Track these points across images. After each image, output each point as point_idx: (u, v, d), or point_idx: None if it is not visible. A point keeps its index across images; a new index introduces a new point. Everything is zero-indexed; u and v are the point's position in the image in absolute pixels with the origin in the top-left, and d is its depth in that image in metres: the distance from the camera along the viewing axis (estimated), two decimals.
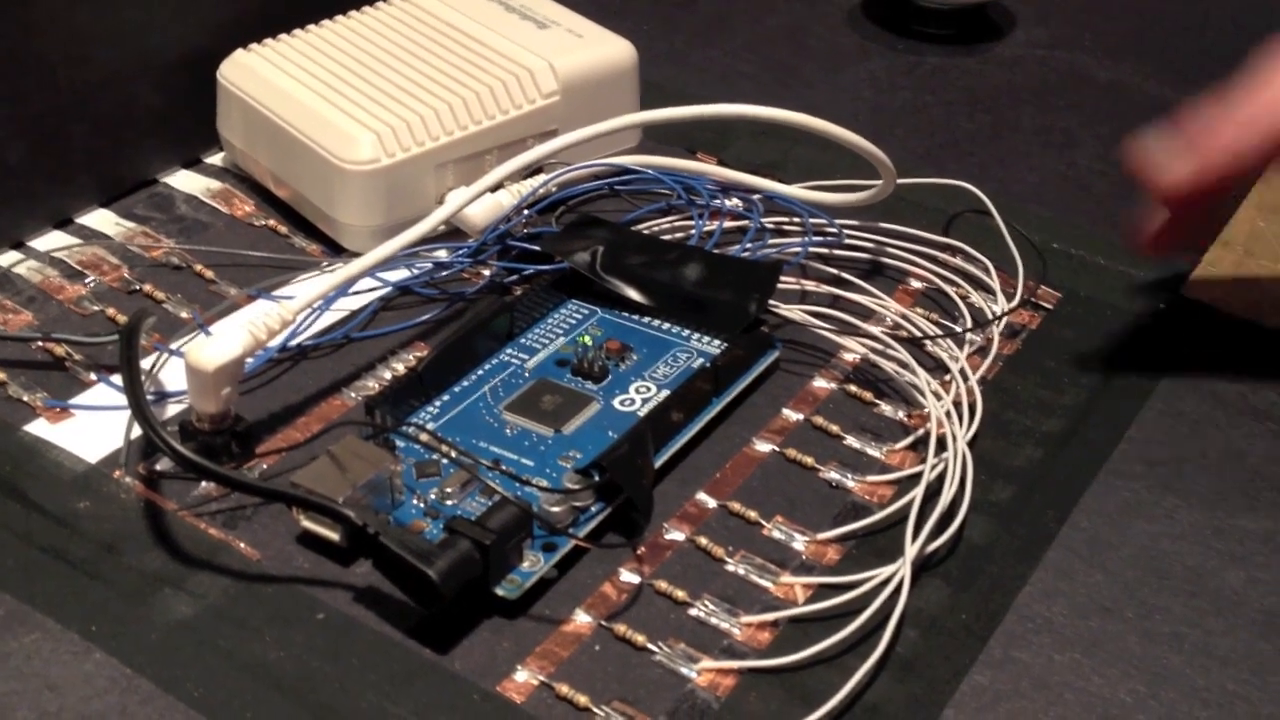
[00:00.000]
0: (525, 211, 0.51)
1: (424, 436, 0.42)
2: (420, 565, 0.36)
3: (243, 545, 0.40)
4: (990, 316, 0.49)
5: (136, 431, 0.42)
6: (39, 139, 0.50)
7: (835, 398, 0.46)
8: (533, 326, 0.47)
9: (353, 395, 0.45)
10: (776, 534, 0.41)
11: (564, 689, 0.36)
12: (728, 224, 0.52)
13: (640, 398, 0.44)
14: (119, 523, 0.40)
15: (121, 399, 0.41)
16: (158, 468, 0.42)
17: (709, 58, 0.65)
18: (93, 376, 0.45)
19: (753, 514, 0.41)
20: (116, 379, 0.44)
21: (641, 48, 0.55)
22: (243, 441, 0.42)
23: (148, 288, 0.49)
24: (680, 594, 0.39)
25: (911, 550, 0.39)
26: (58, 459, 0.42)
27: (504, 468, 0.41)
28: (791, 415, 0.45)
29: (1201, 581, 0.40)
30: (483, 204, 0.50)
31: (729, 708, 0.36)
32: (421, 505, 0.40)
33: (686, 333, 0.47)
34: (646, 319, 0.47)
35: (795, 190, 0.52)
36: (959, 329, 0.48)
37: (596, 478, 0.40)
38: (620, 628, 0.38)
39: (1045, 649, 0.38)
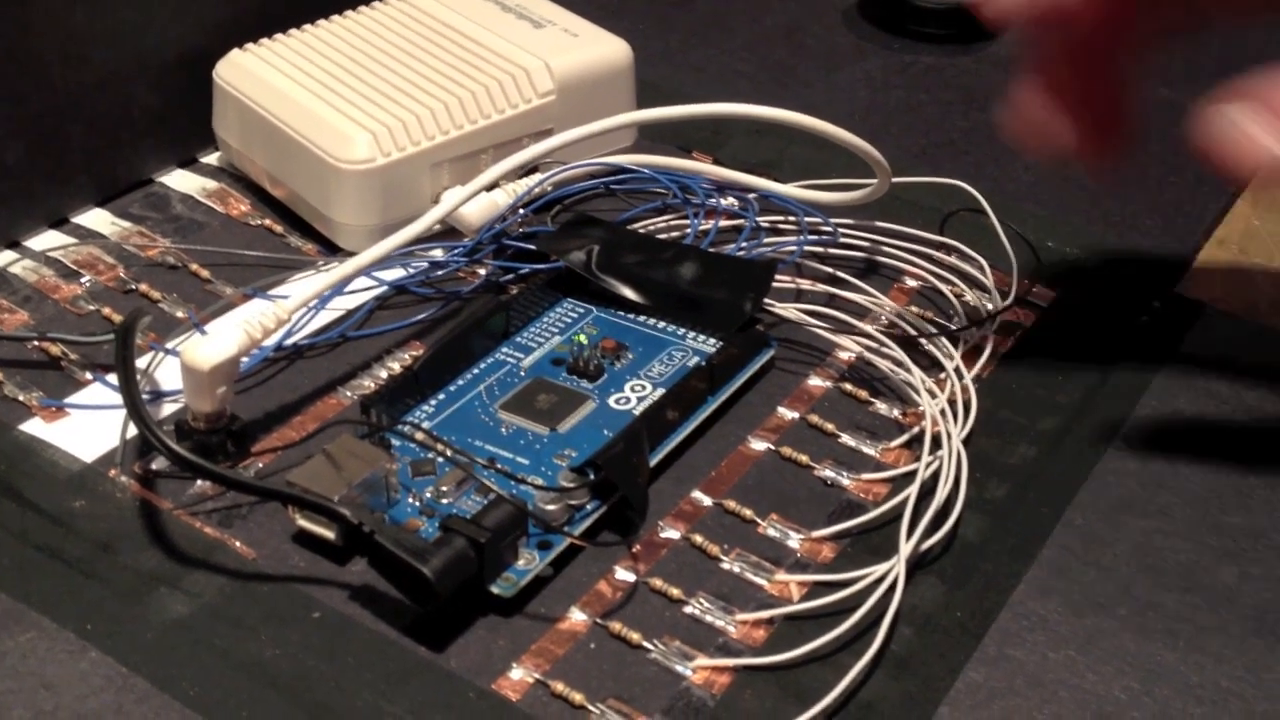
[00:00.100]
0: (521, 211, 0.51)
1: (419, 435, 0.42)
2: (415, 563, 0.36)
3: (238, 544, 0.40)
4: (985, 315, 0.49)
5: (132, 430, 0.42)
6: (35, 138, 0.50)
7: (830, 396, 0.46)
8: (528, 325, 0.47)
9: (348, 394, 0.45)
10: (771, 532, 0.41)
11: (559, 687, 0.36)
12: (723, 223, 0.52)
13: (636, 396, 0.44)
14: (114, 522, 0.41)
15: (117, 398, 0.41)
16: (153, 467, 0.42)
17: (705, 57, 0.65)
18: (88, 376, 0.45)
19: (748, 512, 0.42)
20: (112, 378, 0.44)
21: (637, 47, 0.55)
22: (238, 440, 0.42)
23: (143, 287, 0.49)
24: (675, 592, 0.39)
25: (906, 548, 0.39)
26: (53, 458, 0.42)
27: (499, 466, 0.41)
28: (786, 413, 0.45)
29: (1195, 578, 0.41)
30: (478, 203, 0.50)
31: (724, 705, 0.36)
32: (417, 504, 0.40)
33: (682, 331, 0.47)
34: (642, 318, 0.47)
35: (791, 189, 0.53)
36: (954, 327, 0.48)
37: (592, 476, 0.40)
38: (615, 625, 0.38)
39: (1040, 646, 0.38)
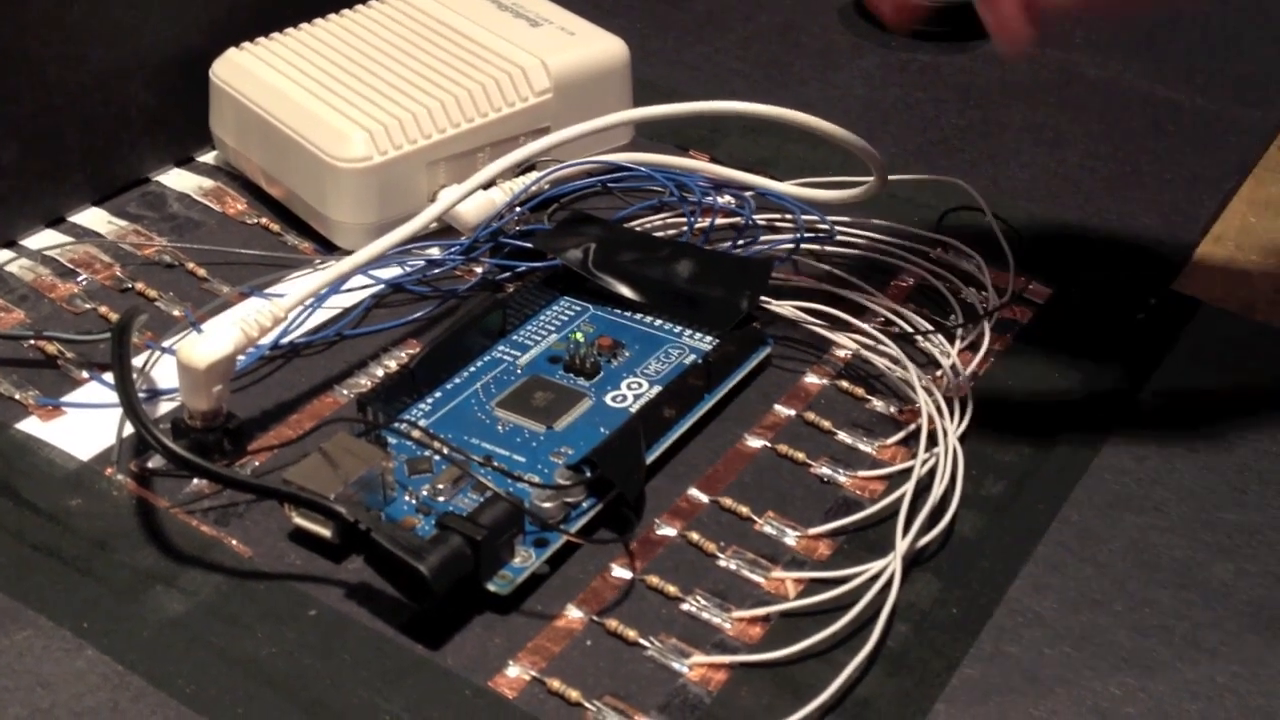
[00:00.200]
0: (518, 209, 0.51)
1: (416, 433, 0.42)
2: (412, 561, 0.36)
3: (234, 542, 0.40)
4: (981, 312, 0.49)
5: (128, 429, 0.42)
6: (31, 137, 0.50)
7: (827, 393, 0.46)
8: (525, 323, 0.47)
9: (345, 392, 0.45)
10: (768, 529, 0.41)
11: (556, 684, 0.36)
12: (720, 221, 0.52)
13: (632, 394, 0.44)
14: (111, 520, 0.41)
15: (113, 396, 0.41)
16: (149, 465, 0.42)
17: (701, 55, 0.65)
18: (85, 374, 0.45)
19: (744, 509, 0.42)
20: (108, 377, 0.44)
21: (634, 45, 0.55)
22: (235, 439, 0.43)
23: (140, 286, 0.49)
24: (672, 589, 0.39)
25: (902, 545, 0.39)
26: (50, 456, 0.42)
27: (496, 464, 0.41)
28: (783, 411, 0.45)
29: (1190, 574, 0.41)
30: (475, 201, 0.50)
31: (720, 702, 0.36)
32: (413, 501, 0.40)
33: (678, 329, 0.47)
34: (639, 316, 0.47)
35: (787, 187, 0.53)
36: (950, 324, 0.48)
37: (588, 473, 0.40)
38: (612, 623, 0.38)
39: (1036, 643, 0.38)
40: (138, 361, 0.45)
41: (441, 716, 0.36)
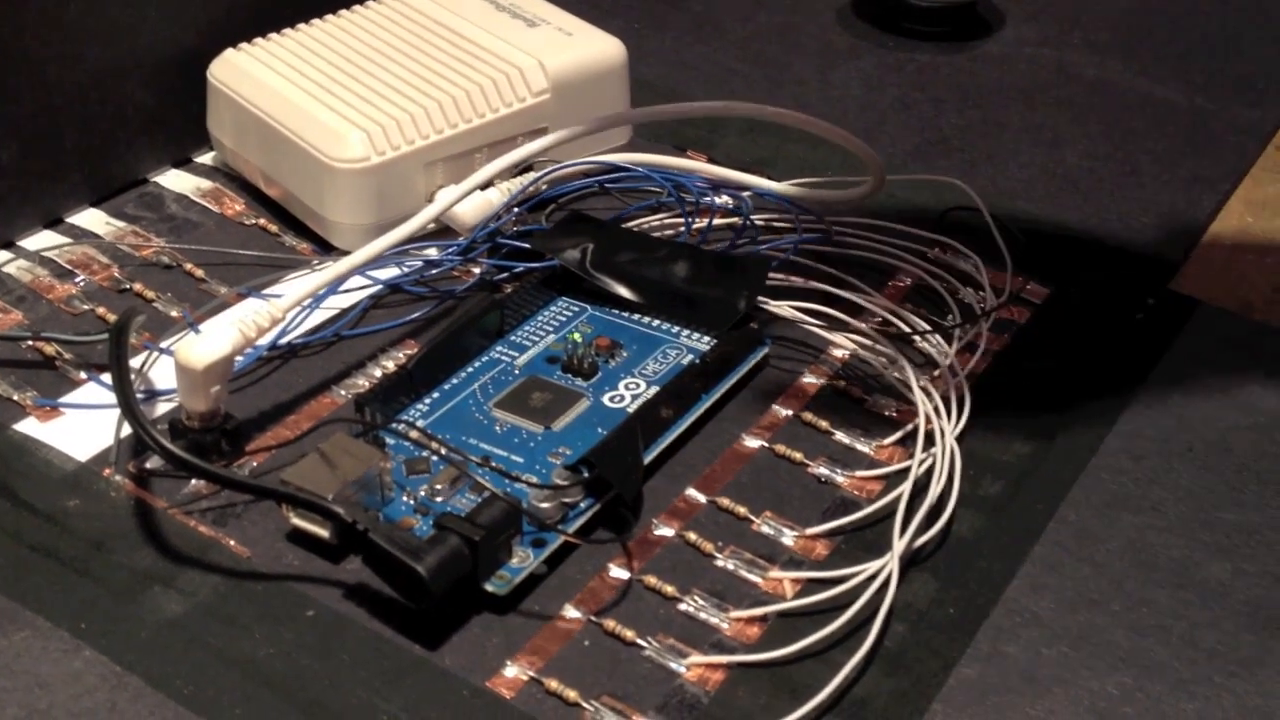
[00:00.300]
0: (515, 209, 0.51)
1: (414, 434, 0.42)
2: (410, 562, 0.36)
3: (232, 543, 0.40)
4: (979, 312, 0.49)
5: (126, 430, 0.42)
6: (29, 138, 0.50)
7: (824, 393, 0.46)
8: (523, 324, 0.47)
9: (343, 393, 0.45)
10: (765, 529, 0.41)
11: (554, 684, 0.36)
12: (717, 221, 0.52)
13: (630, 394, 0.44)
14: (109, 521, 0.41)
15: (111, 397, 0.41)
16: (147, 466, 0.42)
17: (699, 55, 0.65)
18: (83, 375, 0.45)
19: (742, 509, 0.42)
20: (106, 377, 0.44)
21: (631, 46, 0.55)
22: (232, 439, 0.43)
23: (138, 287, 0.49)
24: (669, 589, 0.39)
25: (900, 545, 0.39)
26: (47, 457, 0.42)
27: (494, 464, 0.41)
28: (781, 411, 0.45)
29: (1188, 574, 0.41)
30: (472, 202, 0.50)
31: (718, 702, 0.36)
32: (411, 502, 0.40)
33: (676, 329, 0.47)
34: (636, 316, 0.47)
35: (785, 187, 0.53)
36: (948, 325, 0.48)
37: (586, 474, 0.40)
38: (610, 623, 0.38)
39: (1033, 642, 0.38)
40: (136, 362, 0.45)
41: (440, 717, 0.36)
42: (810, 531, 0.41)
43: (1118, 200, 0.56)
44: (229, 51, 0.53)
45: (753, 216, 0.52)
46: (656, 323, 0.47)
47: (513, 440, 0.42)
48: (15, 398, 0.44)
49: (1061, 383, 0.47)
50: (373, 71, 0.52)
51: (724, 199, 0.53)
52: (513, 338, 0.46)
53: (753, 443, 0.44)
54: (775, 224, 0.52)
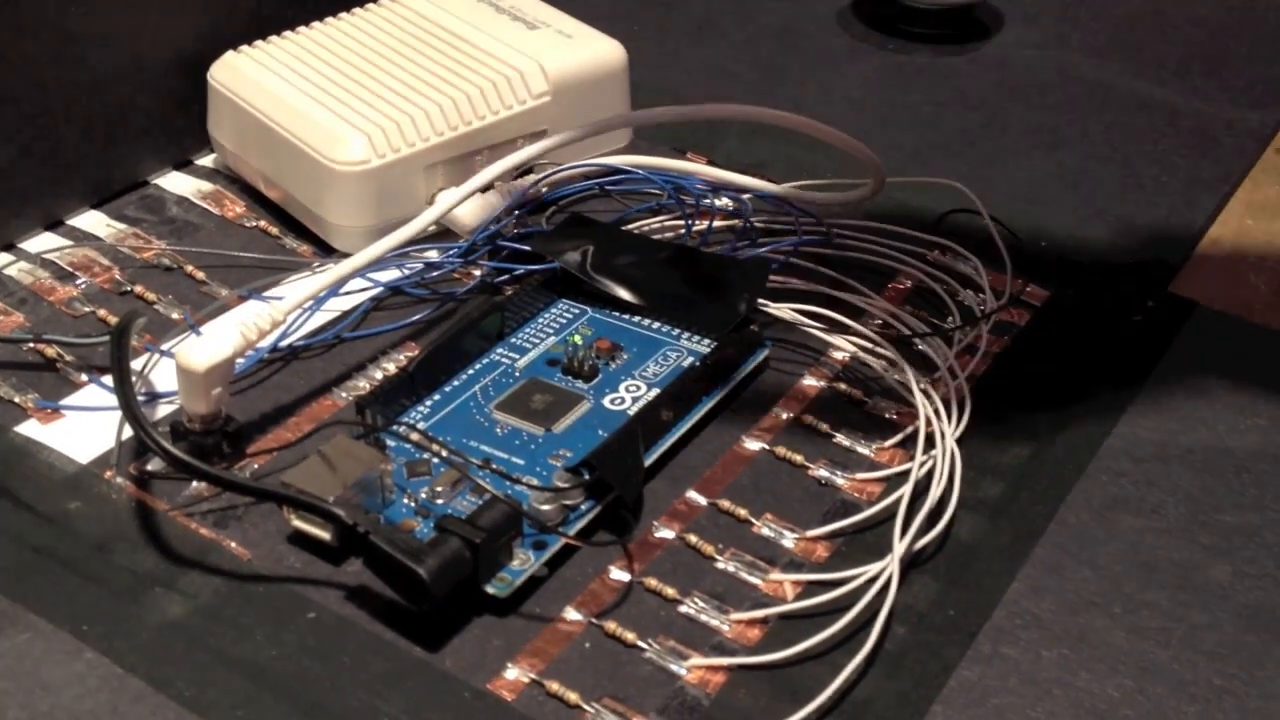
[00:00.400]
0: (515, 212, 0.51)
1: (415, 436, 0.42)
2: (411, 564, 0.36)
3: (233, 545, 0.40)
4: (979, 314, 0.49)
5: (127, 432, 0.42)
6: (29, 140, 0.50)
7: (824, 396, 0.46)
8: (523, 326, 0.47)
9: (343, 395, 0.45)
10: (766, 531, 0.41)
11: (554, 686, 0.36)
12: (717, 223, 0.52)
13: (630, 396, 0.44)
14: (110, 523, 0.41)
15: (112, 400, 0.41)
16: (149, 468, 0.42)
17: (699, 58, 0.65)
18: (84, 377, 0.45)
19: (742, 511, 0.42)
20: (107, 380, 0.44)
21: (631, 48, 0.55)
22: (233, 441, 0.43)
23: (139, 289, 0.49)
24: (670, 591, 0.39)
25: (900, 547, 0.39)
26: (49, 460, 0.43)
27: (494, 466, 0.41)
28: (781, 413, 0.45)
29: (1188, 576, 0.41)
30: (473, 204, 0.50)
31: (719, 704, 0.36)
32: (412, 504, 0.40)
33: (676, 332, 0.47)
34: (637, 318, 0.47)
35: (785, 189, 0.53)
36: (948, 327, 0.48)
37: (586, 476, 0.40)
38: (610, 625, 0.38)
39: (1033, 645, 0.39)
40: (137, 364, 0.45)
41: (440, 719, 0.36)
42: (811, 534, 0.41)
43: (1117, 202, 0.56)
44: (230, 54, 0.53)
45: (753, 219, 0.52)
46: (657, 325, 0.47)
47: (513, 442, 0.42)
48: (17, 400, 0.45)
49: (1061, 385, 0.47)
50: (373, 74, 0.52)
51: (724, 201, 0.53)
52: (513, 340, 0.46)
53: (753, 445, 0.44)
54: (775, 226, 0.52)
